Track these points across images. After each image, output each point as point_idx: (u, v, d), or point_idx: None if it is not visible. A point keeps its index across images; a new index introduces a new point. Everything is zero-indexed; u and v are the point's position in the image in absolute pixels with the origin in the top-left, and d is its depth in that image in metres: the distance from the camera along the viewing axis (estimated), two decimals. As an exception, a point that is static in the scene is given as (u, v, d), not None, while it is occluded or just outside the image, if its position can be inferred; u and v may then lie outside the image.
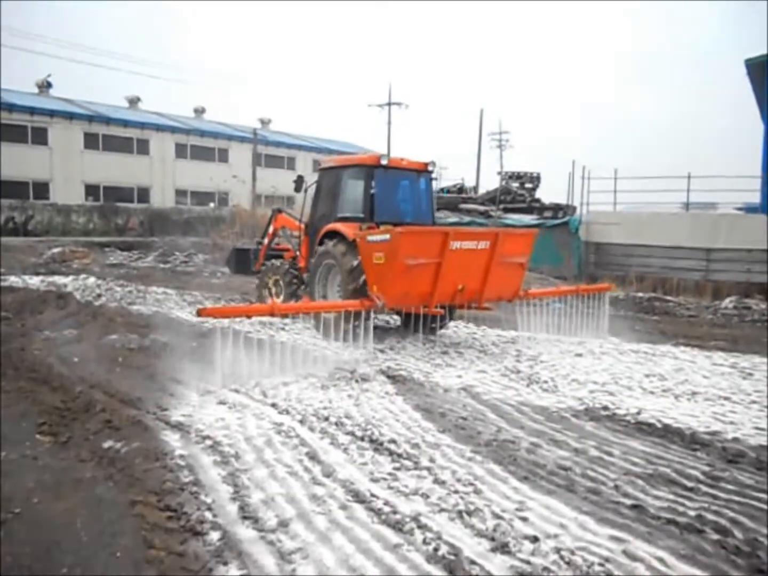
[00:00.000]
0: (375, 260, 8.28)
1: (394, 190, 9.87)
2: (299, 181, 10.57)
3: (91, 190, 35.20)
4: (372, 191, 9.36)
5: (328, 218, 9.80)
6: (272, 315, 7.75)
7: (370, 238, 8.44)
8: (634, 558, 3.25)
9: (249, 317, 7.47)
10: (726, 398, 6.48)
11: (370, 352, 8.11)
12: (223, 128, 44.06)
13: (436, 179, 10.31)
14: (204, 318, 7.11)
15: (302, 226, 10.70)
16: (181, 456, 4.49)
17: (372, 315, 8.41)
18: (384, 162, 9.49)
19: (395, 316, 10.73)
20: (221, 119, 46.20)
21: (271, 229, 12.00)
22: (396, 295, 8.28)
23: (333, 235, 9.38)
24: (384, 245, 8.17)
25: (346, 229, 9.15)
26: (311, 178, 10.69)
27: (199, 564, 3.14)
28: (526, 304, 9.73)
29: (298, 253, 10.85)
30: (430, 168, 10.06)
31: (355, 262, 8.66)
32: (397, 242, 8.02)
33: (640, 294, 16.11)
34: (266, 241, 12.03)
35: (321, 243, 9.58)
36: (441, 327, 9.81)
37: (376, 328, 10.05)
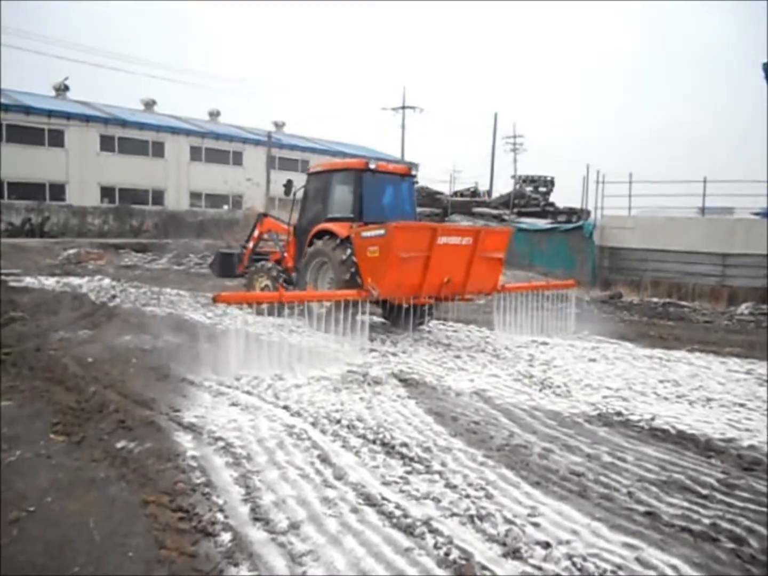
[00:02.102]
0: (369, 254, 8.94)
1: (380, 192, 10.50)
2: (288, 185, 11.17)
3: (107, 192, 35.50)
4: (360, 193, 9.98)
5: (318, 219, 10.36)
6: (280, 301, 8.25)
7: (364, 234, 9.07)
8: (647, 565, 3.22)
9: (259, 303, 7.97)
10: (741, 405, 6.41)
11: (365, 342, 8.61)
12: (238, 131, 44.30)
13: (417, 182, 11.41)
14: (220, 304, 7.72)
15: (290, 228, 11.21)
16: (194, 457, 4.51)
17: (368, 307, 8.92)
18: (372, 166, 10.16)
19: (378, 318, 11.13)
20: (236, 122, 46.49)
21: (256, 233, 12.48)
22: (389, 285, 8.84)
23: (324, 234, 9.93)
24: (379, 240, 8.80)
25: (338, 228, 9.72)
26: None
27: (210, 565, 3.15)
28: (502, 308, 10.21)
29: (285, 254, 11.35)
30: (412, 172, 10.95)
31: (349, 257, 9.28)
32: (392, 236, 8.63)
33: (655, 299, 16.02)
34: (251, 244, 12.50)
35: (311, 243, 10.14)
36: (425, 321, 10.69)
37: (389, 332, 10.08)
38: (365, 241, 8.99)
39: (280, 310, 9.35)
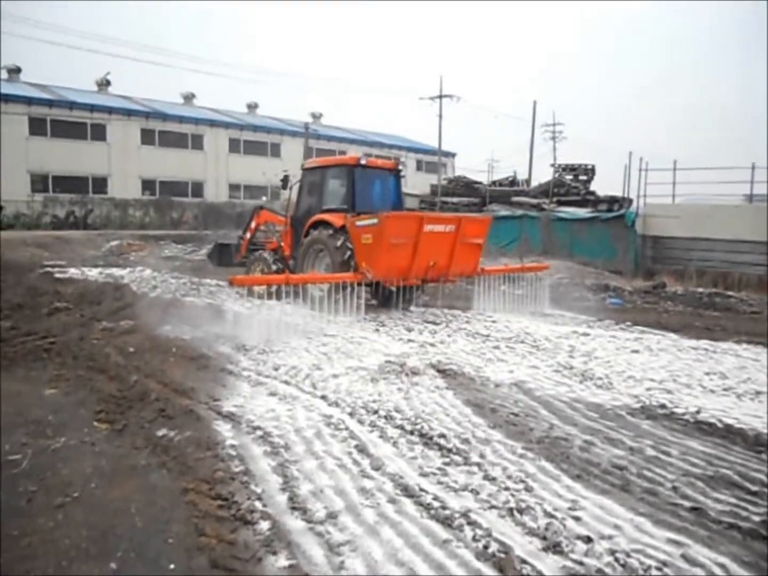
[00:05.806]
0: (363, 241, 10.00)
1: (370, 186, 11.34)
2: (285, 180, 11.97)
3: (148, 184, 36.15)
4: (353, 186, 10.79)
5: (314, 210, 11.21)
6: (287, 283, 9.02)
7: (359, 223, 10.10)
8: (693, 563, 3.13)
9: (269, 285, 8.87)
10: (793, 398, 6.18)
11: (360, 319, 9.58)
12: (276, 123, 44.58)
13: (404, 177, 12.23)
14: (237, 286, 9.02)
15: (287, 219, 12.03)
16: (232, 446, 4.54)
17: (363, 288, 9.97)
18: (363, 162, 11.00)
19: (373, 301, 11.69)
20: (274, 114, 46.78)
21: (253, 225, 13.18)
22: (382, 268, 9.88)
23: (320, 224, 10.78)
24: (372, 228, 9.85)
25: (333, 218, 10.59)
26: None
27: (249, 553, 3.17)
28: (483, 290, 11.47)
29: (282, 243, 12.11)
30: (399, 167, 11.89)
31: (344, 244, 10.20)
32: (384, 225, 9.72)
33: (700, 289, 15.57)
34: (248, 235, 13.20)
35: (308, 233, 10.96)
36: (412, 302, 11.63)
37: (426, 321, 10.04)
38: (360, 229, 10.01)
39: (280, 294, 9.73)
